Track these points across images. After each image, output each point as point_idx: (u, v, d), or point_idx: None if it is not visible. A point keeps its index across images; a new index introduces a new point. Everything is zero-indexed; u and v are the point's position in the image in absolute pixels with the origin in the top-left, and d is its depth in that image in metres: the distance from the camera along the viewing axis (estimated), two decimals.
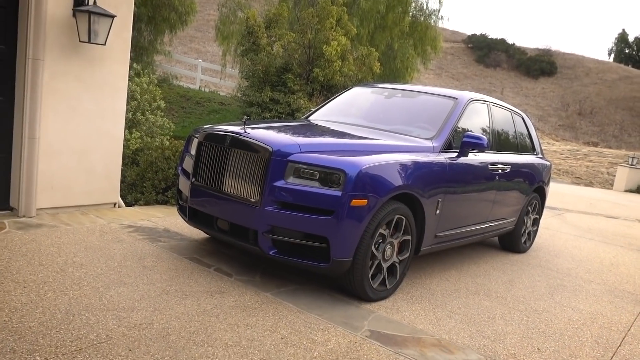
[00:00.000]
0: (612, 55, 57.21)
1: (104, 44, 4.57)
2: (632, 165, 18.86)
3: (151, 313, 2.94)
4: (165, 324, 2.84)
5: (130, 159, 6.65)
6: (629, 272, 5.61)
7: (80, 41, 4.48)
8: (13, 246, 3.72)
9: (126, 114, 5.55)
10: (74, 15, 4.43)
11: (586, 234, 7.59)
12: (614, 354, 3.34)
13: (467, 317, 3.62)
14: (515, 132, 5.69)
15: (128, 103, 6.62)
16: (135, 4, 5.12)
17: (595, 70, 47.21)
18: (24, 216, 4.47)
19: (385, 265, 3.67)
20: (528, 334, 3.47)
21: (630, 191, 18.14)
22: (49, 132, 4.51)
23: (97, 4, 4.46)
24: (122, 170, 5.36)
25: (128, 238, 4.27)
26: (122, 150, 5.20)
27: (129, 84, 5.43)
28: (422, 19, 16.05)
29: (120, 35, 4.84)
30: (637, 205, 13.19)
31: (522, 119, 5.97)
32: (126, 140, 6.61)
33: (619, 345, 3.50)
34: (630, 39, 56.95)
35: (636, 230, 8.68)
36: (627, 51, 56.52)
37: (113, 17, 4.52)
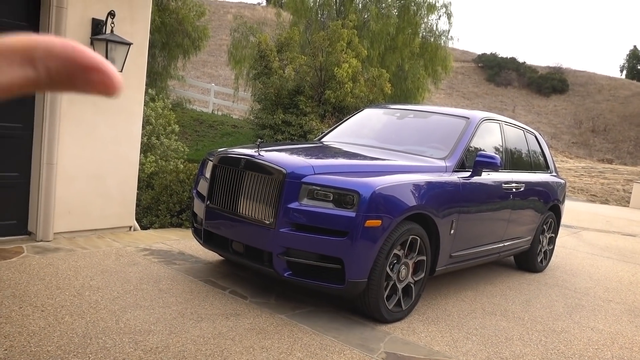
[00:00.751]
0: (624, 72, 56.99)
1: (121, 71, 4.68)
2: None
3: (167, 336, 2.95)
4: (181, 347, 2.84)
5: (145, 182, 6.73)
6: None
7: None
8: (31, 270, 3.76)
9: (141, 138, 5.64)
10: (91, 43, 4.56)
11: (603, 253, 7.48)
12: None
13: (485, 338, 3.57)
14: (528, 150, 5.67)
15: (143, 127, 6.73)
16: (150, 31, 5.24)
17: (608, 87, 46.99)
18: (41, 240, 4.53)
19: (400, 286, 3.66)
20: (547, 355, 3.42)
21: None
22: (67, 158, 4.60)
23: (114, 32, 4.58)
24: (137, 194, 5.42)
25: (143, 261, 4.30)
26: (137, 174, 5.27)
27: (144, 109, 5.53)
28: (432, 39, 16.17)
29: (135, 62, 4.95)
30: None
31: (535, 137, 5.96)
32: (141, 164, 6.69)
33: None
34: None
35: None
36: (639, 67, 56.27)
37: (129, 44, 4.64)
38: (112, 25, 4.58)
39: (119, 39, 4.54)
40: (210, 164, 4.04)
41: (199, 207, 4.10)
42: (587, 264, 6.53)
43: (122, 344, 2.79)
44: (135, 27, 4.93)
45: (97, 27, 4.58)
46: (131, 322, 3.09)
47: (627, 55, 58.61)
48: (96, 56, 0.30)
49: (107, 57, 4.50)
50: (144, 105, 6.12)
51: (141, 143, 6.19)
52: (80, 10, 4.48)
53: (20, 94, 0.29)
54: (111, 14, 4.56)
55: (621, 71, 57.87)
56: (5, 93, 0.28)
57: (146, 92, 7.22)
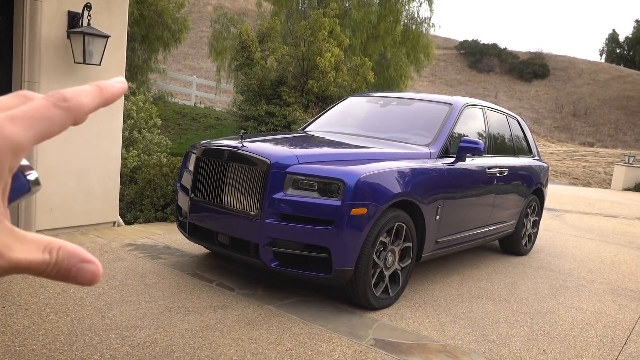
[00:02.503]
0: (604, 56, 57.64)
1: (99, 64, 4.60)
2: (628, 163, 18.92)
3: (154, 331, 2.93)
4: (169, 341, 2.83)
5: (128, 177, 6.66)
6: (630, 270, 5.61)
7: (75, 62, 4.50)
8: None
9: (123, 132, 5.57)
10: (68, 37, 4.47)
11: (586, 234, 7.59)
12: (619, 353, 3.34)
13: (472, 321, 3.61)
14: (511, 135, 5.71)
15: (124, 122, 6.64)
16: (128, 23, 5.16)
17: (588, 71, 47.50)
18: None
19: (387, 273, 3.67)
20: (533, 336, 3.47)
21: (628, 189, 18.18)
22: (47, 154, 4.52)
23: (91, 24, 4.50)
24: (120, 189, 5.36)
25: (129, 256, 4.26)
26: (119, 169, 5.21)
27: (124, 103, 5.46)
28: (413, 27, 16.16)
29: (114, 55, 4.87)
30: (635, 203, 13.21)
31: (518, 121, 6.00)
32: (124, 159, 6.61)
33: (625, 344, 3.50)
34: (621, 38, 57.43)
35: (636, 229, 8.68)
36: (618, 51, 56.96)
37: (107, 37, 4.56)
38: (89, 17, 4.50)
39: (96, 31, 4.46)
40: (193, 157, 4.00)
41: (183, 201, 4.07)
42: (570, 245, 6.63)
43: (108, 340, 2.77)
44: (113, 20, 4.84)
45: (74, 20, 4.49)
46: (117, 317, 3.06)
47: (606, 39, 59.26)
48: (91, 255, 0.40)
49: (84, 50, 4.43)
50: (125, 99, 6.04)
51: (123, 137, 6.11)
52: (55, 3, 4.38)
53: (31, 273, 0.39)
54: (87, 7, 4.48)
55: (600, 55, 58.53)
56: (28, 267, 0.38)
57: None
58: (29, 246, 0.38)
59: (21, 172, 0.41)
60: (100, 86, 0.43)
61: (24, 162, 0.42)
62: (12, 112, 0.38)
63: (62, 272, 0.39)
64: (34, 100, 0.39)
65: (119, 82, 0.44)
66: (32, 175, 0.42)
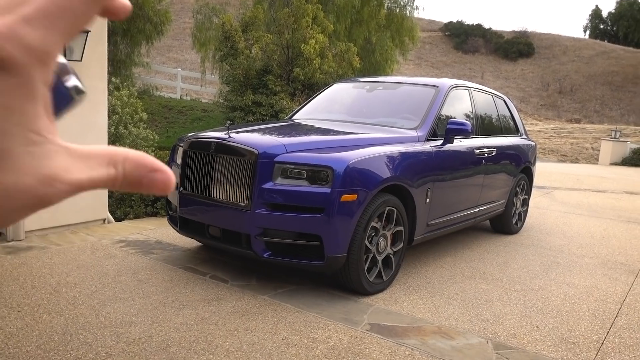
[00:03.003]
0: (588, 32, 57.87)
1: (80, 60, 4.53)
2: (615, 138, 19.09)
3: (149, 326, 2.92)
4: (164, 335, 2.82)
5: None
6: (620, 243, 5.68)
7: None
8: (4, 271, 3.67)
9: (108, 128, 5.51)
10: None
11: (576, 210, 7.67)
12: (611, 325, 3.39)
13: (465, 301, 3.64)
14: (498, 115, 5.73)
15: (109, 117, 6.57)
16: None
17: (572, 48, 47.66)
18: (12, 240, 4.42)
19: (380, 258, 3.69)
20: (526, 313, 3.50)
21: (616, 164, 18.37)
22: None
23: None
24: None
25: (120, 253, 4.24)
26: None
27: (108, 98, 5.39)
28: (397, 10, 16.08)
29: (95, 50, 4.80)
30: (623, 177, 13.35)
31: (504, 101, 6.01)
32: None
33: (616, 316, 3.55)
34: (604, 14, 57.63)
35: (624, 202, 8.78)
36: (601, 27, 57.18)
37: (87, 32, 4.48)
38: None
39: None
40: (180, 150, 3.97)
41: (172, 195, 4.04)
42: (560, 222, 6.69)
43: (103, 338, 2.76)
44: None
45: None
46: (111, 315, 3.05)
47: (590, 15, 59.44)
48: (160, 162, 0.37)
49: (64, 46, 4.35)
50: (109, 94, 5.97)
51: (108, 133, 6.04)
52: None
53: (98, 189, 0.36)
54: None
55: (584, 31, 58.77)
56: (94, 185, 0.35)
57: (110, 81, 7.02)
58: (89, 163, 0.35)
59: (59, 80, 0.36)
60: None
61: (61, 61, 0.35)
62: (23, 11, 0.30)
63: (133, 184, 0.36)
64: None
65: None
66: (70, 82, 0.37)
